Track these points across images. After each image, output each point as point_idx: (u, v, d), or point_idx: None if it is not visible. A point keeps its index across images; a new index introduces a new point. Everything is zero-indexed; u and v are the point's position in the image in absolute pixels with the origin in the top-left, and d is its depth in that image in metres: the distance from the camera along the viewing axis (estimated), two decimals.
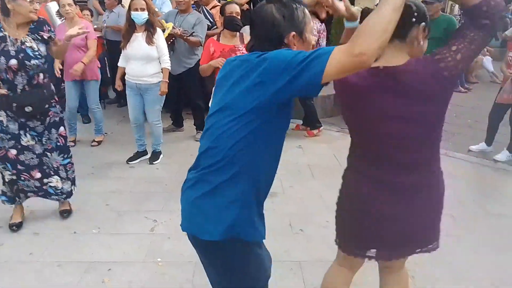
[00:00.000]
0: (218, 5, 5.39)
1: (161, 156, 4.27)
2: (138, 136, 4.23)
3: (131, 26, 3.82)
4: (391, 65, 1.46)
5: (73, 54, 4.22)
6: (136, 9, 3.71)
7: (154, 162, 4.19)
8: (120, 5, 5.68)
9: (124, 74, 4.04)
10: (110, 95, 6.34)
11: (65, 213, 3.18)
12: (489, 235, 3.08)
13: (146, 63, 3.85)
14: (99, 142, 4.72)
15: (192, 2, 4.93)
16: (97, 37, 5.64)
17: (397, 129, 1.49)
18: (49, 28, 2.83)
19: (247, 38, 3.64)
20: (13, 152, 2.84)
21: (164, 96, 4.11)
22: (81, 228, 3.05)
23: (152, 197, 3.51)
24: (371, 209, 1.60)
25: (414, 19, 1.45)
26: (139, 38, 3.81)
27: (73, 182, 3.16)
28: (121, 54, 3.99)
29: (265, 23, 1.39)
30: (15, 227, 3.00)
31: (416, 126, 1.50)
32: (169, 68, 4.00)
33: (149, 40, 3.78)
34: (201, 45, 4.65)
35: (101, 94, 6.02)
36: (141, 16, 3.73)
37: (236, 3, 4.20)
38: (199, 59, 4.74)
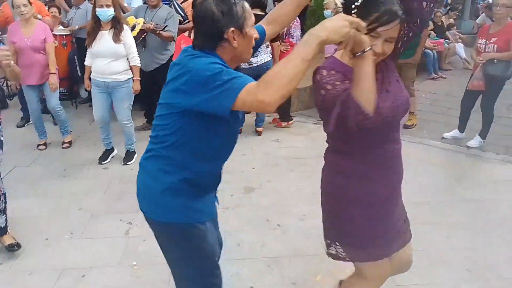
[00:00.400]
0: None
1: (135, 155, 4.18)
2: (104, 136, 4.12)
3: (97, 23, 3.69)
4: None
5: (31, 57, 4.05)
6: (101, 6, 3.58)
7: (128, 163, 4.10)
8: (87, 1, 5.52)
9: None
10: (82, 94, 6.18)
11: (15, 247, 2.73)
12: (464, 220, 3.14)
13: (113, 60, 3.74)
14: (70, 143, 4.58)
15: None
16: (67, 35, 5.52)
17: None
18: None
19: None
20: None
21: (133, 94, 4.00)
22: (53, 234, 2.96)
23: (126, 198, 3.43)
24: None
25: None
26: (105, 35, 3.69)
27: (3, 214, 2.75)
28: (87, 52, 3.87)
29: (205, 19, 1.42)
30: None
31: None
32: (139, 65, 3.90)
33: (116, 38, 3.66)
34: (174, 40, 4.56)
35: (72, 93, 5.90)
36: (106, 13, 3.60)
37: None
38: (172, 55, 4.68)
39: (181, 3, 5.22)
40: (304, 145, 4.62)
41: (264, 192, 3.55)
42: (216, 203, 1.76)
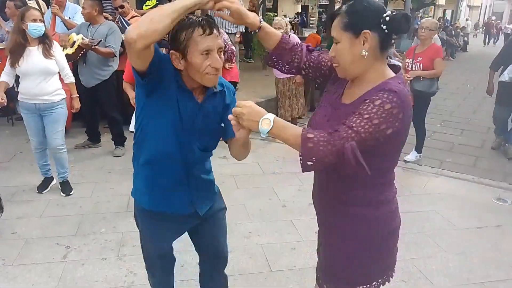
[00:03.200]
0: (137, 16, 5.23)
1: (71, 184, 3.83)
2: (43, 162, 3.78)
3: (24, 39, 3.39)
4: None
5: None
6: (35, 20, 3.33)
7: (70, 193, 3.74)
8: None
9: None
10: (18, 111, 5.86)
11: None
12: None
13: (44, 79, 3.46)
14: None
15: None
16: (1, 49, 5.23)
17: None
18: None
19: None
20: None
21: (67, 116, 3.72)
22: None
23: (64, 221, 3.28)
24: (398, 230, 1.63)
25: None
26: (34, 51, 3.41)
27: None
28: (5, 69, 3.46)
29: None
30: None
31: None
32: (74, 81, 3.72)
33: (47, 53, 3.42)
34: (115, 56, 4.49)
35: (8, 110, 5.58)
36: (40, 28, 3.36)
37: None
38: (114, 71, 4.59)
39: (129, 19, 5.15)
40: (251, 161, 4.66)
41: None
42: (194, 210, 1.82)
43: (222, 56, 1.56)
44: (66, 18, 5.11)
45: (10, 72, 3.47)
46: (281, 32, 1.77)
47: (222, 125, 1.73)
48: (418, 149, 4.90)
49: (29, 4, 5.56)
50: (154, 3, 5.01)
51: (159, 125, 1.61)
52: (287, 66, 1.66)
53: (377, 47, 1.36)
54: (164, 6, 1.33)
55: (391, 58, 6.67)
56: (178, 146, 1.64)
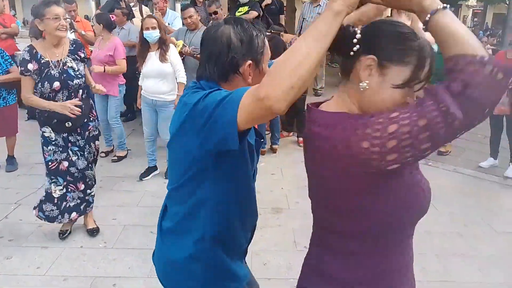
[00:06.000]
0: None
1: None
2: (150, 151, 4.29)
3: (144, 46, 3.92)
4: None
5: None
6: (148, 28, 3.81)
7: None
8: (129, 21, 5.78)
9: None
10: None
11: (95, 232, 3.21)
12: (497, 254, 3.04)
13: (160, 80, 3.94)
14: (120, 158, 4.76)
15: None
16: None
17: None
18: (84, 50, 2.98)
19: None
20: (65, 164, 2.95)
21: None
22: (88, 243, 3.09)
23: (158, 211, 3.52)
24: None
25: (355, 48, 0.98)
26: (153, 56, 3.91)
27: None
28: (141, 73, 4.09)
29: (220, 45, 1.22)
30: (62, 234, 3.14)
31: None
32: (185, 82, 4.06)
33: (163, 57, 3.87)
34: None
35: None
36: (152, 35, 3.83)
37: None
38: None
39: None
40: None
41: (293, 214, 3.57)
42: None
43: None
44: (166, 24, 5.51)
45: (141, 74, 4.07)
46: None
47: None
48: None
49: (134, 11, 6.12)
50: (246, 10, 5.24)
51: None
52: None
53: None
54: (303, 41, 0.91)
55: None
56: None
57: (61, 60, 2.80)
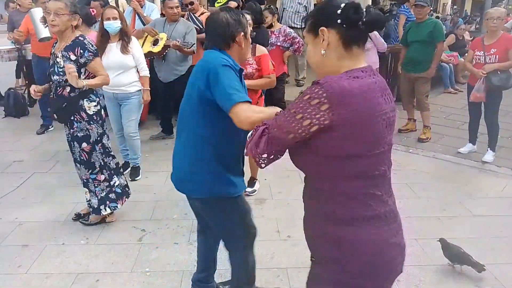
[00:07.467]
0: (206, 12, 5.41)
1: (140, 171, 4.13)
2: (122, 146, 4.18)
3: (104, 37, 3.76)
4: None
5: None
6: (109, 19, 3.65)
7: (136, 178, 4.04)
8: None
9: None
10: None
11: (85, 219, 3.27)
12: (473, 236, 3.12)
13: (122, 72, 3.79)
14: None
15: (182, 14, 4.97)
16: None
17: None
18: (81, 52, 2.84)
19: (260, 50, 3.46)
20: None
21: (142, 107, 4.05)
22: (69, 239, 3.05)
23: (139, 206, 3.52)
24: None
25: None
26: (113, 47, 3.77)
27: (102, 202, 3.16)
28: None
29: (221, 24, 1.88)
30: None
31: None
32: (148, 75, 3.97)
33: (124, 49, 3.74)
34: (194, 53, 4.68)
35: None
36: (113, 25, 3.67)
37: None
38: (190, 65, 4.78)
39: (198, 16, 5.35)
40: None
41: (276, 204, 3.59)
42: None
43: None
44: (144, 15, 5.41)
45: None
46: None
47: None
48: (492, 146, 4.58)
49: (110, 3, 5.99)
50: (225, 1, 5.17)
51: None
52: None
53: (338, 44, 1.27)
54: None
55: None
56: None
57: (55, 53, 2.88)
